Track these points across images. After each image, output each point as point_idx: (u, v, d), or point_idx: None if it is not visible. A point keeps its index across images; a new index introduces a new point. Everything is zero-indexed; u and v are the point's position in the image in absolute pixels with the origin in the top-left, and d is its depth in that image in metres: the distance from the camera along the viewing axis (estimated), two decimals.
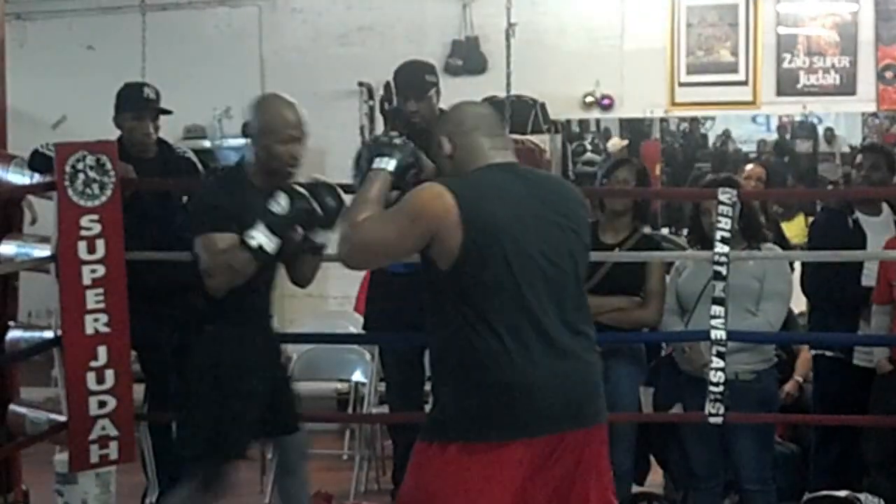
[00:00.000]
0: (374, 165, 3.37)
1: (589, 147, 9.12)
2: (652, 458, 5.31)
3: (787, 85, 8.86)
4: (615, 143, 8.93)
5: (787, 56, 8.86)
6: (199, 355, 3.95)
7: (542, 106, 8.90)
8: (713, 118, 9.01)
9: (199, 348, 3.95)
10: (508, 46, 6.13)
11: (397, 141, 3.45)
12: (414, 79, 4.89)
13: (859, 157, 5.55)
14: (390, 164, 3.36)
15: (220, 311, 3.94)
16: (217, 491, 3.96)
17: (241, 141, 8.43)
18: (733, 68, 8.87)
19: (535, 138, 8.46)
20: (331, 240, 3.91)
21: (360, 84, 8.64)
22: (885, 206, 5.40)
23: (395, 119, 5.29)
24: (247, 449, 4.11)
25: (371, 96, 8.59)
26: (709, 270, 4.62)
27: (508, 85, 6.07)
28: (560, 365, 3.07)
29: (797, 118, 8.84)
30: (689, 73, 8.93)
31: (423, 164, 3.51)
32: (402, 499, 3.24)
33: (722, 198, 4.57)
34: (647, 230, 5.29)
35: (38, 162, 4.89)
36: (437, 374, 3.24)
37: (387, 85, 8.19)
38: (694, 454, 4.86)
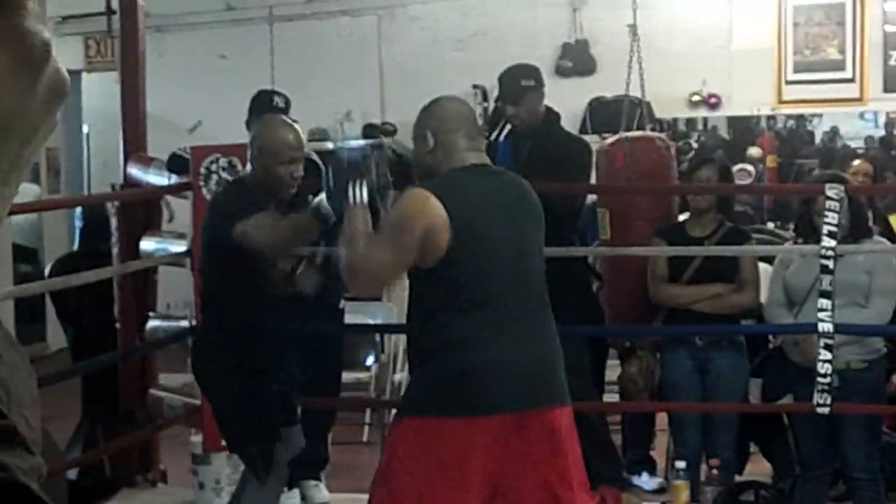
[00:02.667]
0: (349, 197, 3.42)
1: (695, 144, 9.20)
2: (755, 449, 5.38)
3: (893, 82, 8.85)
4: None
5: (894, 53, 8.88)
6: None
7: (648, 105, 9.00)
8: (820, 115, 9.05)
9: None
10: (636, 45, 6.26)
11: (365, 163, 3.51)
12: (510, 84, 5.09)
13: None
14: (363, 195, 3.44)
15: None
16: (273, 473, 4.03)
17: (362, 142, 8.79)
18: (840, 66, 8.90)
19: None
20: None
21: (475, 87, 8.83)
22: None
23: (495, 122, 5.46)
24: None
25: (486, 98, 8.77)
26: (816, 265, 4.69)
27: (628, 85, 6.18)
28: (520, 349, 3.30)
29: None
30: (796, 71, 8.98)
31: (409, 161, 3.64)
32: (378, 472, 3.49)
33: (829, 193, 4.63)
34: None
35: (175, 164, 5.16)
36: (413, 357, 3.55)
37: None
38: (803, 444, 4.92)
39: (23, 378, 0.85)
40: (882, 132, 8.95)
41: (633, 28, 6.76)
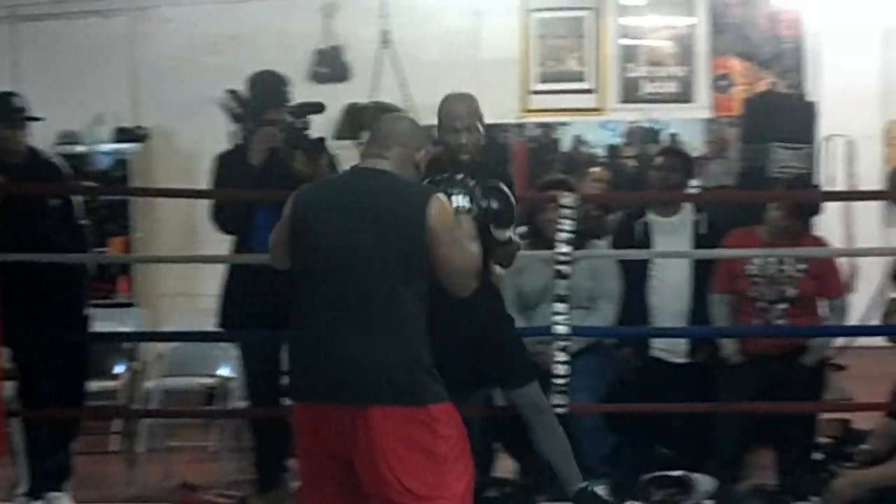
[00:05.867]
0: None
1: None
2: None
3: (629, 93, 9.33)
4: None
5: (631, 66, 9.34)
6: None
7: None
8: (567, 125, 9.42)
9: None
10: (386, 52, 6.39)
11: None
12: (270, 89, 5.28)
13: (658, 160, 5.87)
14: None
15: None
16: None
17: (114, 146, 8.66)
18: (581, 77, 9.32)
19: None
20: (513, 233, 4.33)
21: (230, 91, 8.76)
22: (685, 207, 5.69)
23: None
24: None
25: (241, 104, 8.73)
26: (546, 270, 4.89)
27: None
28: (329, 345, 3.42)
29: (645, 124, 9.30)
30: (540, 81, 9.35)
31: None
32: None
33: (563, 201, 4.90)
34: None
35: None
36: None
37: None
38: None
39: None
40: (624, 140, 9.35)
41: (383, 35, 6.88)
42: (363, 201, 3.49)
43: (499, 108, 9.18)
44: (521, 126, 9.39)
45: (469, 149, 4.47)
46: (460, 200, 3.76)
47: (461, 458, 3.52)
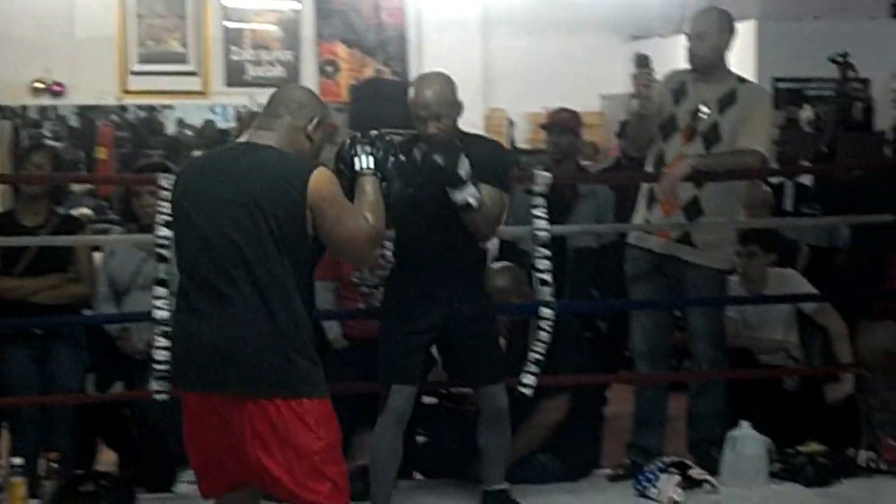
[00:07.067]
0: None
1: (48, 133, 9.02)
2: None
3: (235, 76, 9.24)
4: None
5: (235, 49, 9.25)
6: None
7: None
8: (172, 107, 9.21)
9: None
10: None
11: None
12: None
13: None
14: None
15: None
16: None
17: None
18: (183, 59, 9.15)
19: None
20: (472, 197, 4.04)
21: None
22: None
23: None
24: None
25: None
26: (138, 254, 4.81)
27: None
28: (209, 330, 3.28)
29: (255, 108, 9.24)
30: (141, 62, 9.09)
31: None
32: None
33: (163, 183, 4.75)
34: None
35: None
36: None
37: None
38: None
39: None
40: (232, 124, 9.25)
41: None
42: (237, 179, 3.30)
43: (97, 89, 8.91)
44: (123, 108, 9.10)
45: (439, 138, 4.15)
46: (364, 161, 3.52)
47: (333, 452, 3.38)
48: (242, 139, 3.49)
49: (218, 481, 3.46)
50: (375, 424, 4.35)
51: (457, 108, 4.22)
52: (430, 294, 4.25)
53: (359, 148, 3.55)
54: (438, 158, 4.03)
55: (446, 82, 4.21)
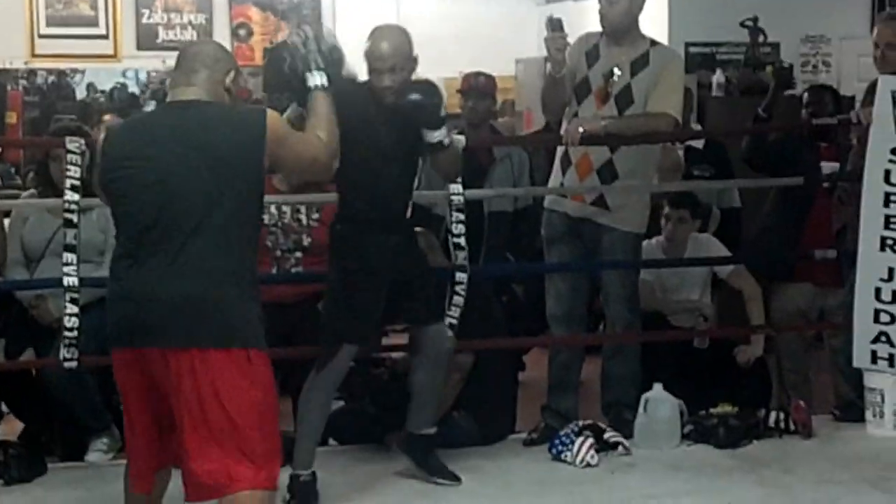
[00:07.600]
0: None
1: None
2: None
3: (147, 40, 9.09)
4: None
5: (146, 12, 9.10)
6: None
7: None
8: (83, 71, 9.05)
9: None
10: None
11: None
12: None
13: None
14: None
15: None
16: None
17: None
18: (94, 22, 8.98)
19: None
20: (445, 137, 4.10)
21: None
22: None
23: None
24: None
25: None
26: (53, 220, 4.69)
27: None
28: (135, 285, 3.28)
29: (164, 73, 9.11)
30: (49, 24, 8.91)
31: None
32: None
33: (70, 147, 4.65)
34: None
35: None
36: None
37: None
38: None
39: None
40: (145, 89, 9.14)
41: None
42: (191, 135, 3.30)
43: (5, 53, 8.74)
44: (32, 72, 8.93)
45: (394, 91, 4.08)
46: (318, 78, 3.56)
47: (272, 407, 3.35)
48: (172, 98, 3.46)
49: (149, 463, 3.43)
50: (305, 383, 4.27)
51: (413, 62, 4.20)
52: (383, 244, 4.19)
53: (312, 64, 3.60)
54: (417, 97, 4.05)
55: (403, 34, 4.20)
